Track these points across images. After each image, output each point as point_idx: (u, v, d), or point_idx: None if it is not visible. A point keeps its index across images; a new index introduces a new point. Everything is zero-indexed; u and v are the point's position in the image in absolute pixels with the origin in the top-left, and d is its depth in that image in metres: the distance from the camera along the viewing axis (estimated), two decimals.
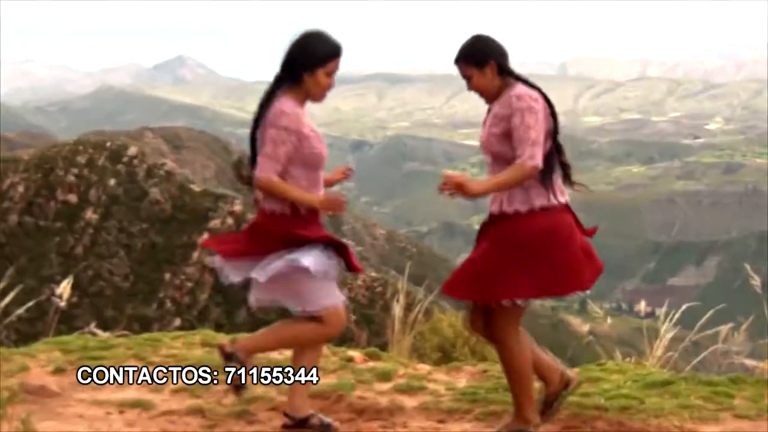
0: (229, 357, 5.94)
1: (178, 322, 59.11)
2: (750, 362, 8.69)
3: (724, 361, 8.66)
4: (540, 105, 5.64)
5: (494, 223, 5.78)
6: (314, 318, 5.85)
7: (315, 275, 5.74)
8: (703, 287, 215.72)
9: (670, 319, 8.66)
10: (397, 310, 9.23)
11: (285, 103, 5.69)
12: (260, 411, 6.68)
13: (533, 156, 5.48)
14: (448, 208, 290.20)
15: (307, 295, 5.82)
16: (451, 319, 10.26)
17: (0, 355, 7.74)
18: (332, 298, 5.87)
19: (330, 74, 5.76)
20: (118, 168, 74.46)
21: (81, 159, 75.05)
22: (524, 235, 5.63)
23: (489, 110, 5.87)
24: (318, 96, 5.83)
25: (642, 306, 10.38)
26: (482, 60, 5.72)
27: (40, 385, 6.85)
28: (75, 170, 73.82)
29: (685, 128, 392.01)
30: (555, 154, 5.75)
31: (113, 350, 8.05)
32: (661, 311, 8.80)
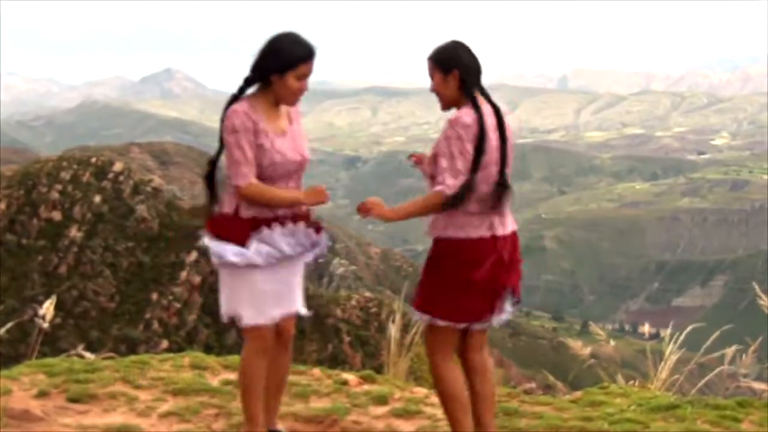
0: None
1: (165, 343, 59.04)
2: (758, 385, 8.56)
3: (731, 384, 8.55)
4: (471, 133, 5.51)
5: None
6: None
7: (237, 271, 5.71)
8: (708, 308, 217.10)
9: (675, 341, 8.56)
10: (393, 331, 9.11)
11: (238, 107, 5.59)
12: None
13: (448, 185, 5.44)
14: None
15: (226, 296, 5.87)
16: None
17: None
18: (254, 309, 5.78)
19: (301, 78, 5.62)
20: (103, 184, 74.50)
21: (65, 175, 75.05)
22: (437, 259, 5.72)
23: None
24: (289, 100, 5.70)
25: (646, 328, 10.26)
26: (448, 67, 5.64)
27: (24, 410, 6.67)
28: (59, 187, 73.79)
29: (689, 144, 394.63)
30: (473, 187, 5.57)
31: (99, 373, 7.87)
32: (665, 332, 8.70)
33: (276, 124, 5.67)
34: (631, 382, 8.78)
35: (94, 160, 78.67)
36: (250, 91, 5.71)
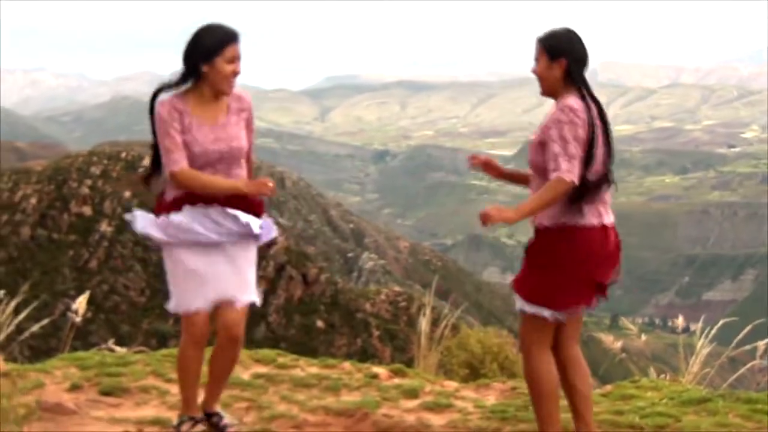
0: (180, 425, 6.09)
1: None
2: None
3: (762, 378, 8.50)
4: (582, 119, 5.45)
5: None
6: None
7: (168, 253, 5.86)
8: (739, 302, 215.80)
9: (707, 335, 8.48)
10: (424, 325, 9.11)
11: (164, 96, 5.76)
12: (282, 429, 6.55)
13: (570, 170, 5.36)
14: (474, 220, 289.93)
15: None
16: (479, 334, 10.16)
17: (15, 371, 7.58)
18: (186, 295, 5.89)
19: (231, 61, 5.69)
20: (133, 179, 74.56)
21: (95, 170, 75.36)
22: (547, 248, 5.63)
23: None
24: (224, 86, 5.75)
25: (680, 321, 10.19)
26: (556, 54, 5.59)
27: (56, 403, 6.69)
28: (89, 181, 74.03)
29: (720, 137, 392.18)
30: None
31: (131, 367, 7.90)
32: (696, 326, 8.64)
33: (207, 114, 5.77)
34: (663, 375, 8.74)
35: (124, 154, 79.01)
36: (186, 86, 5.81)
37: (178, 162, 5.64)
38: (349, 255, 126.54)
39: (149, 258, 68.72)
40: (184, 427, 6.02)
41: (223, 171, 5.81)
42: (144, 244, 69.82)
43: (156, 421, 6.52)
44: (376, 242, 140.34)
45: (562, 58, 5.55)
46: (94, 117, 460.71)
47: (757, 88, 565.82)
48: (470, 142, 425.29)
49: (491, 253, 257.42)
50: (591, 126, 5.46)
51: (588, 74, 5.57)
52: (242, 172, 5.94)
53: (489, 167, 6.00)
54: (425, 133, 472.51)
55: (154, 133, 5.78)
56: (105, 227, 71.72)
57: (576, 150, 5.38)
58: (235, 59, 5.71)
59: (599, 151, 5.52)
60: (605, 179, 5.61)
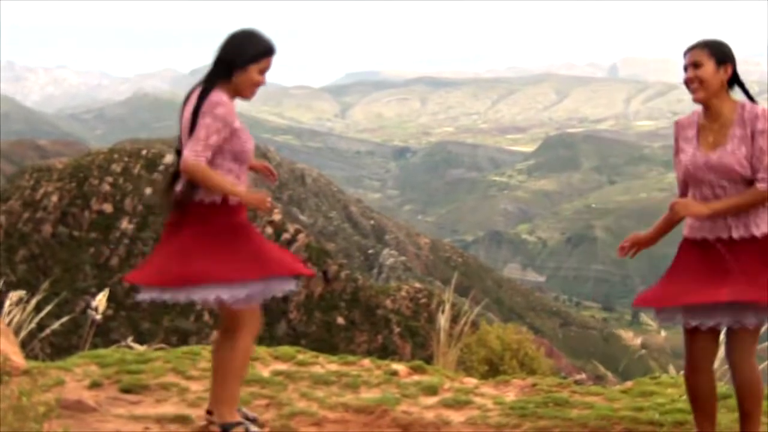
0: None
1: (216, 334, 59.21)
2: None
3: None
4: None
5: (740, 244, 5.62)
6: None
7: None
8: None
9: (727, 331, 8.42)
10: (443, 321, 9.12)
11: (221, 95, 5.76)
12: (302, 426, 6.53)
13: (765, 179, 5.42)
14: (494, 216, 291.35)
15: None
16: (499, 331, 10.16)
17: (35, 368, 7.61)
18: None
19: (262, 72, 5.86)
20: (154, 177, 74.76)
21: (116, 167, 75.53)
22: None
23: (697, 127, 5.73)
24: (247, 92, 5.91)
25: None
26: (723, 59, 5.61)
27: (77, 400, 6.70)
28: (110, 179, 74.19)
29: None
30: None
31: (151, 364, 7.92)
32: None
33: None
34: (683, 372, 8.69)
35: (144, 152, 79.16)
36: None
37: (201, 155, 5.67)
38: (370, 251, 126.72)
39: None
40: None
41: (246, 171, 5.98)
42: None
43: (176, 419, 6.52)
44: (396, 239, 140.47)
45: (729, 63, 5.60)
46: (115, 114, 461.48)
47: None
48: (490, 138, 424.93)
49: (512, 250, 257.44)
50: None
51: (608, 70, 5.58)
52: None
53: (640, 244, 5.99)
54: (445, 130, 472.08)
55: (192, 125, 5.78)
56: (126, 224, 71.88)
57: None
58: (266, 70, 5.86)
59: None
60: None
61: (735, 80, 5.65)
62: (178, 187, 5.84)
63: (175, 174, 5.90)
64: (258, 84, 5.86)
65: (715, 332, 5.68)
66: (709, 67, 5.57)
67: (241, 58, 5.76)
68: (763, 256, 5.53)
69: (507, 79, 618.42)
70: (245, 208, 5.88)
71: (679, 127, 5.79)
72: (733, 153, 5.52)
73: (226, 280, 5.70)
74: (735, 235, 5.53)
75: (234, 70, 5.78)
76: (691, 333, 5.65)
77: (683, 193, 5.79)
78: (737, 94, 5.63)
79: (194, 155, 5.65)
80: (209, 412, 6.16)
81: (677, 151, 5.75)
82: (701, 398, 5.77)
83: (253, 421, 6.21)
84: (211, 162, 5.74)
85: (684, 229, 5.72)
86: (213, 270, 5.68)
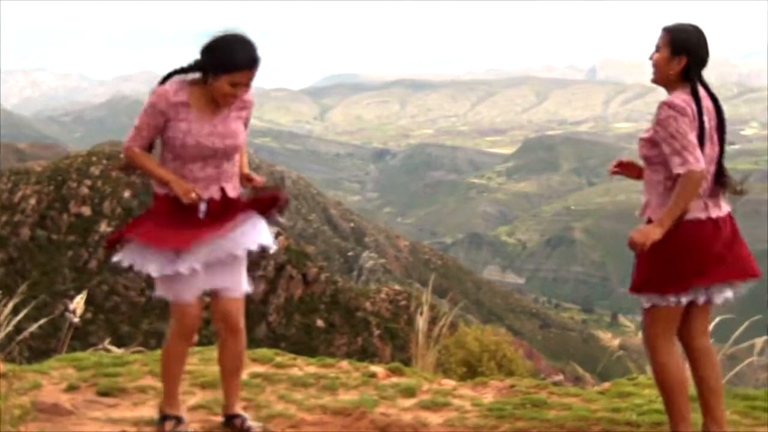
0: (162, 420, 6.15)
1: (195, 337, 59.10)
2: None
3: (762, 374, 8.48)
4: (686, 115, 5.54)
5: None
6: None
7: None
8: (737, 299, 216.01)
9: None
10: (421, 323, 9.12)
11: (166, 85, 5.69)
12: (279, 428, 6.53)
13: (683, 162, 5.46)
14: (474, 219, 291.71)
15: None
16: (477, 332, 10.17)
17: (12, 372, 7.58)
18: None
19: (234, 84, 5.59)
20: (132, 179, 74.56)
21: (95, 170, 75.27)
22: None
23: None
24: (220, 100, 5.70)
25: None
26: (679, 49, 5.65)
27: (53, 403, 6.69)
28: (88, 182, 73.99)
29: None
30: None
31: (128, 367, 7.90)
32: None
33: (207, 108, 5.73)
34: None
35: (123, 155, 79.00)
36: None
37: (132, 141, 5.77)
38: (349, 254, 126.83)
39: None
40: (168, 426, 6.07)
41: (213, 165, 5.79)
42: None
43: (153, 422, 6.51)
44: (376, 241, 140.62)
45: (684, 55, 5.63)
46: (94, 117, 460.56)
47: (756, 85, 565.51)
48: (470, 140, 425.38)
49: (491, 252, 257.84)
50: (700, 121, 5.55)
51: (587, 72, 5.65)
52: (231, 167, 5.89)
53: (629, 168, 6.12)
54: (425, 132, 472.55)
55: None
56: (104, 227, 71.69)
57: (692, 139, 5.46)
58: (241, 84, 5.61)
59: (706, 148, 5.58)
60: (716, 174, 5.73)
61: (690, 73, 5.66)
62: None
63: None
64: (228, 95, 5.62)
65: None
66: (664, 54, 5.65)
67: (213, 65, 5.56)
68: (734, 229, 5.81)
69: (486, 82, 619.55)
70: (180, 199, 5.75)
71: None
72: (642, 135, 5.75)
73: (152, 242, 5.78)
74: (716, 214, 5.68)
75: (207, 75, 5.62)
76: (677, 308, 5.72)
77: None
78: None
79: (127, 139, 5.75)
80: (230, 416, 6.23)
81: None
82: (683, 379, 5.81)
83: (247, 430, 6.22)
84: (161, 156, 5.79)
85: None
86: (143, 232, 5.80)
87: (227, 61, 5.53)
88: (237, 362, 6.17)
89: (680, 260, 5.57)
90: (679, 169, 5.40)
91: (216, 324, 6.08)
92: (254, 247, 5.88)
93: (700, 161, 5.40)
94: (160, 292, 5.90)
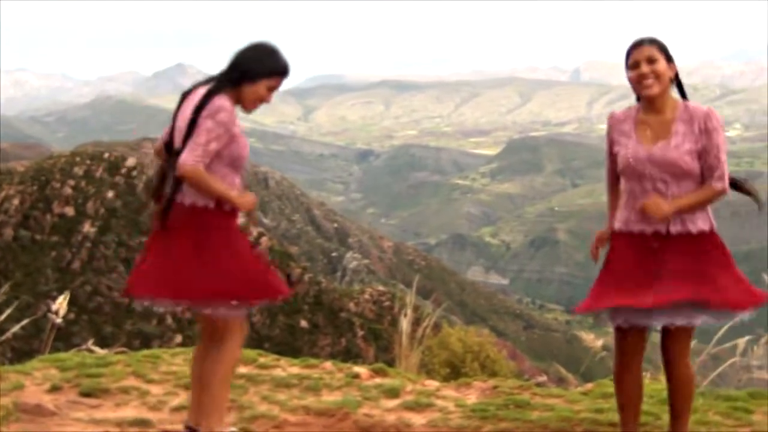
0: None
1: (179, 338, 59.04)
2: None
3: (744, 375, 8.49)
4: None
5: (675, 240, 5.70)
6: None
7: None
8: None
9: None
10: (405, 324, 9.11)
11: (225, 100, 5.63)
12: (262, 429, 6.53)
13: (722, 176, 5.55)
14: (458, 220, 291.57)
15: None
16: (460, 333, 10.16)
17: None
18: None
19: (271, 89, 5.76)
20: (116, 180, 74.51)
21: (78, 170, 75.13)
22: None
23: (638, 122, 5.78)
24: (250, 105, 5.78)
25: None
26: (670, 57, 5.70)
27: (36, 404, 6.67)
28: (72, 182, 73.79)
29: None
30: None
31: (111, 367, 7.89)
32: None
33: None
34: (643, 373, 8.75)
35: (107, 155, 78.83)
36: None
37: (200, 160, 5.55)
38: (333, 254, 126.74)
39: (133, 259, 68.59)
40: None
41: (239, 176, 5.87)
42: (127, 244, 69.78)
43: (136, 422, 6.50)
44: (359, 242, 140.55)
45: (673, 63, 5.70)
46: (77, 117, 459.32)
47: (739, 86, 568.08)
48: (454, 141, 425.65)
49: (475, 253, 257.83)
50: None
51: (571, 73, 5.66)
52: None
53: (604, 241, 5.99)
54: (409, 133, 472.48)
55: (191, 124, 5.65)
56: (88, 228, 71.52)
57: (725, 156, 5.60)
58: (275, 89, 5.79)
59: None
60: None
61: (675, 78, 5.73)
62: (167, 188, 5.78)
63: (164, 174, 5.80)
64: (263, 100, 5.77)
65: (644, 330, 5.72)
66: (662, 63, 5.63)
67: (257, 70, 5.67)
68: (696, 252, 5.60)
69: (470, 83, 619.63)
70: (237, 213, 5.79)
71: (614, 120, 5.82)
72: (676, 148, 5.58)
73: (238, 297, 5.69)
74: (672, 229, 5.59)
75: (244, 79, 5.68)
76: (622, 332, 5.71)
77: (613, 184, 5.88)
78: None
79: (193, 160, 5.52)
80: (189, 428, 5.96)
81: (612, 143, 5.79)
82: (630, 397, 5.83)
83: None
84: (207, 166, 5.63)
85: (616, 223, 5.74)
86: (229, 288, 5.63)
87: (271, 66, 5.72)
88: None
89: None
90: (719, 184, 5.50)
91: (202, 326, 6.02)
92: None
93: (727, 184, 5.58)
94: (223, 312, 5.77)
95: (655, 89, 5.65)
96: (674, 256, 5.61)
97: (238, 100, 5.74)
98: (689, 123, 5.58)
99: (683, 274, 5.55)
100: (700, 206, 5.56)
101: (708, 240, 5.62)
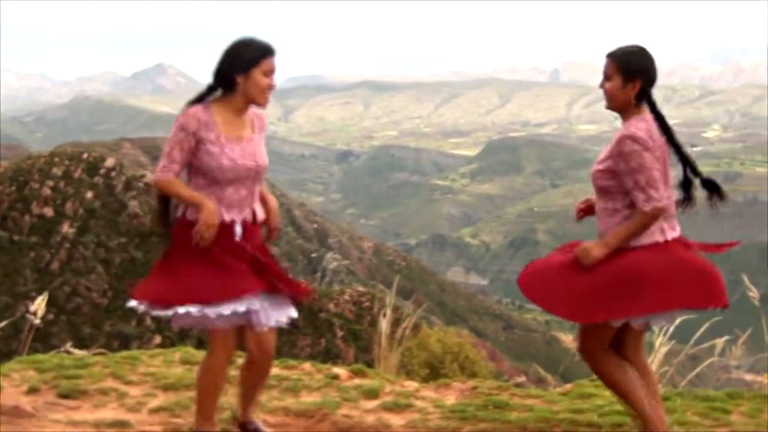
0: None
1: (158, 339, 58.81)
2: (749, 376, 8.55)
3: (723, 375, 8.52)
4: (653, 142, 5.66)
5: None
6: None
7: None
8: None
9: (665, 333, 8.49)
10: (384, 325, 9.11)
11: (192, 107, 5.67)
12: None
13: (648, 199, 5.50)
14: (438, 220, 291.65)
15: None
16: (440, 334, 10.17)
17: None
18: None
19: (267, 74, 5.71)
20: (95, 180, 74.28)
21: (57, 171, 74.84)
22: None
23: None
24: (260, 98, 5.76)
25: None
26: (631, 74, 5.63)
27: (14, 406, 6.65)
28: (51, 183, 73.51)
29: (681, 136, 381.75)
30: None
31: (89, 369, 7.86)
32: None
33: (234, 129, 5.75)
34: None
35: (86, 155, 78.53)
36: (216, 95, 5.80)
37: (166, 171, 5.61)
38: (313, 255, 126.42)
39: (112, 259, 68.47)
40: None
41: (248, 187, 5.80)
42: (106, 245, 69.57)
43: (114, 424, 6.49)
44: (339, 242, 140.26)
45: (638, 79, 5.61)
46: (56, 117, 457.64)
47: (718, 87, 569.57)
48: (433, 142, 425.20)
49: (455, 253, 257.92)
50: (672, 143, 5.80)
51: (550, 74, 5.66)
52: (261, 188, 5.98)
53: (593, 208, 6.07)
54: (389, 133, 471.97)
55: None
56: (67, 229, 71.26)
57: (656, 174, 5.53)
58: (270, 72, 5.73)
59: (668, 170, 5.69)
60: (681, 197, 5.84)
61: (645, 94, 5.69)
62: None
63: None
64: (267, 86, 5.73)
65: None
66: (616, 83, 5.65)
67: (241, 64, 5.64)
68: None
69: (450, 83, 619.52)
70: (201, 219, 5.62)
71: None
72: (597, 164, 5.78)
73: (205, 300, 5.59)
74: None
75: (237, 79, 5.66)
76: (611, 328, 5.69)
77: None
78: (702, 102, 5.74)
79: (159, 169, 5.60)
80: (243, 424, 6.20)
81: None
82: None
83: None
84: (188, 180, 5.69)
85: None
86: (194, 291, 5.57)
87: (252, 53, 5.67)
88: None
89: (636, 283, 5.52)
90: (644, 206, 5.45)
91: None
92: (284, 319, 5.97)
93: (663, 198, 5.47)
94: (187, 322, 5.74)
95: (606, 105, 5.78)
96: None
97: (246, 101, 5.74)
98: (615, 143, 5.63)
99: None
100: (637, 234, 5.55)
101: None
